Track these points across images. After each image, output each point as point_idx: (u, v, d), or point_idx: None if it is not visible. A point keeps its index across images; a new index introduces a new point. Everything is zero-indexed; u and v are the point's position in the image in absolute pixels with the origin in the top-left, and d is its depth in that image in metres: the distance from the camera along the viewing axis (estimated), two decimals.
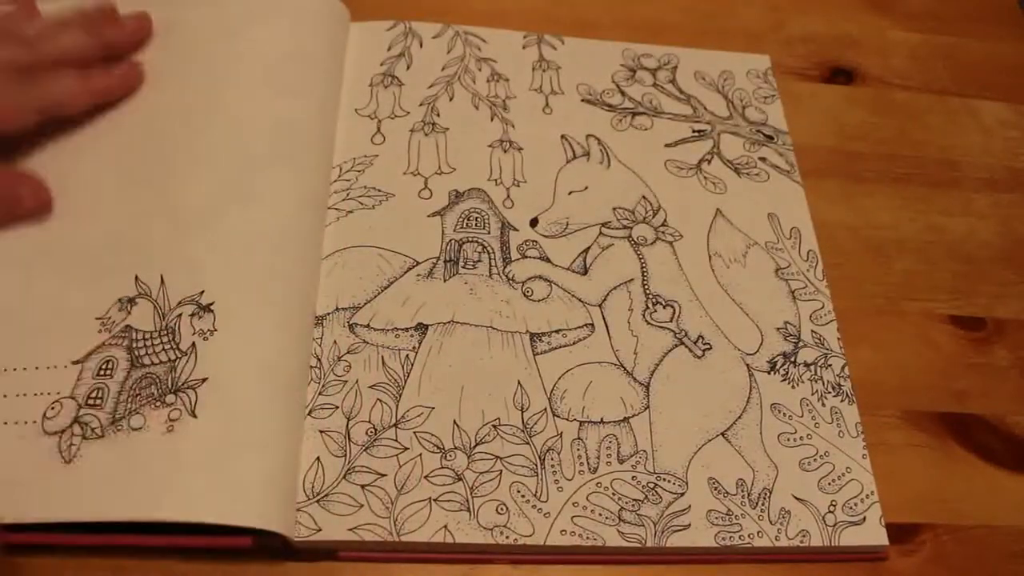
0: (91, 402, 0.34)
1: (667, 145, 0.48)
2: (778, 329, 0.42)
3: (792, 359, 0.41)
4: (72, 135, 0.42)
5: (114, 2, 0.45)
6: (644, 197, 0.45)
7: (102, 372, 0.35)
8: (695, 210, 0.45)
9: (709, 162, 0.47)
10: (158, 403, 0.34)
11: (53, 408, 0.34)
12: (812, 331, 0.42)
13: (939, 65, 0.54)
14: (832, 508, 0.37)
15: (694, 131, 0.49)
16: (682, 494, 0.37)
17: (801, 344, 0.41)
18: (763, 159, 0.48)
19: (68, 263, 0.38)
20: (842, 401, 0.40)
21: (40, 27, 0.42)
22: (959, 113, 0.52)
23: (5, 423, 0.34)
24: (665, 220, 0.45)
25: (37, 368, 0.35)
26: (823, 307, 0.43)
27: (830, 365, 0.41)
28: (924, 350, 0.43)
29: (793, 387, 0.40)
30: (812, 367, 0.41)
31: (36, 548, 0.33)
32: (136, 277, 0.37)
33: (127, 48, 0.44)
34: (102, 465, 0.32)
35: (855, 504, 0.37)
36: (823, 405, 0.40)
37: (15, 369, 0.35)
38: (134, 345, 0.36)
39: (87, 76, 0.41)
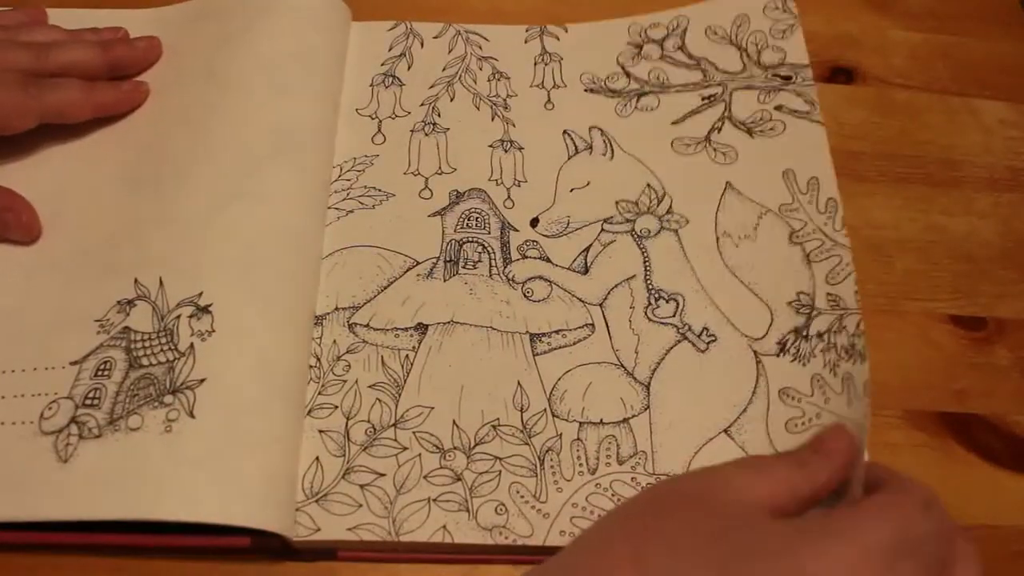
0: (88, 402, 0.34)
1: (674, 123, 0.47)
2: (790, 303, 0.41)
3: (804, 333, 0.40)
4: (73, 137, 0.43)
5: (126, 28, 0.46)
6: (649, 185, 0.45)
7: (100, 373, 0.35)
8: (703, 189, 0.44)
9: (719, 130, 0.46)
10: (156, 403, 0.34)
11: (50, 408, 0.34)
12: (828, 294, 0.40)
13: (939, 64, 0.54)
14: None
15: (704, 99, 0.47)
16: None
17: (815, 313, 0.40)
18: (779, 107, 0.46)
19: (68, 266, 0.39)
20: (854, 364, 0.38)
21: (51, 37, 0.42)
22: (960, 113, 0.52)
23: (3, 423, 0.34)
24: (671, 206, 0.44)
25: (36, 369, 0.36)
26: (840, 261, 0.41)
27: (844, 327, 0.39)
28: (925, 350, 0.43)
29: (804, 364, 0.39)
30: (826, 336, 0.39)
31: (33, 547, 0.33)
32: (135, 280, 0.37)
33: (134, 68, 0.45)
34: (99, 464, 0.32)
35: None
36: (835, 375, 0.38)
37: (14, 371, 0.36)
38: (132, 346, 0.36)
39: (92, 88, 0.42)
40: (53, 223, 0.40)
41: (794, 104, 0.47)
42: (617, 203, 0.44)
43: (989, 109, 0.52)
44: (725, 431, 0.38)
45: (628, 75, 0.49)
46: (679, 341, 0.40)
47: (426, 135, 0.46)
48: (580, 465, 0.37)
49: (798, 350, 0.40)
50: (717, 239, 0.43)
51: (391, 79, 0.48)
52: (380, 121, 0.46)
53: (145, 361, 0.35)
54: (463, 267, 0.41)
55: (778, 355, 0.40)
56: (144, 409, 0.34)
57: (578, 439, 0.37)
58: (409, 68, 0.48)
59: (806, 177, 0.44)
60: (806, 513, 0.29)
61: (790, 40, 0.49)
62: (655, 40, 0.50)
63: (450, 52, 0.49)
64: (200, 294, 0.37)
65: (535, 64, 0.49)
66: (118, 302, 0.37)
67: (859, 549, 0.25)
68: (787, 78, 0.47)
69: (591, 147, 0.46)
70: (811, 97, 0.47)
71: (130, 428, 0.33)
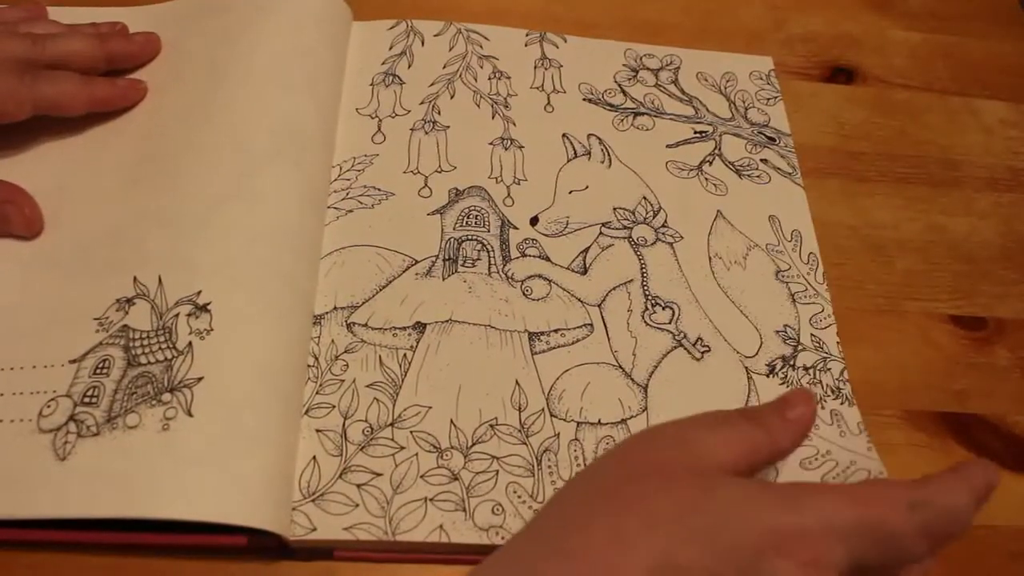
0: (87, 400, 0.34)
1: (668, 146, 0.47)
2: (777, 332, 0.42)
3: (791, 362, 0.41)
4: (73, 134, 0.43)
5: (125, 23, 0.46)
6: (645, 198, 0.45)
7: (98, 371, 0.35)
8: (696, 211, 0.45)
9: (710, 163, 0.47)
10: (154, 402, 0.34)
11: (49, 406, 0.34)
12: (812, 335, 0.42)
13: (939, 64, 0.54)
14: None
15: (696, 132, 0.48)
16: None
17: (801, 348, 0.41)
18: (765, 161, 0.47)
19: (67, 263, 0.39)
20: (842, 404, 0.40)
21: (48, 29, 0.43)
22: (960, 113, 0.52)
23: (1, 421, 0.34)
24: (665, 221, 0.44)
25: (34, 367, 0.35)
26: (823, 311, 0.42)
27: (829, 369, 0.41)
28: (925, 350, 0.43)
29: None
30: (811, 371, 0.41)
31: (31, 545, 0.33)
32: (135, 278, 0.37)
33: (131, 61, 0.45)
34: (97, 462, 0.32)
35: None
36: (822, 407, 0.40)
37: (12, 368, 0.35)
38: (131, 344, 0.36)
39: (89, 81, 0.42)
40: (53, 220, 0.40)
41: (778, 163, 0.48)
42: (615, 210, 0.44)
43: (989, 109, 0.52)
44: None
45: (625, 93, 0.49)
46: (675, 347, 0.40)
47: (426, 133, 0.46)
48: (578, 465, 0.36)
49: (786, 376, 0.40)
50: (710, 259, 0.44)
51: (391, 78, 0.48)
52: (380, 120, 0.46)
53: (143, 359, 0.35)
54: (462, 265, 0.41)
55: (767, 376, 0.40)
56: (142, 407, 0.34)
57: (576, 439, 0.37)
58: (410, 66, 0.48)
59: (790, 228, 0.45)
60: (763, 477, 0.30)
61: (774, 108, 0.50)
62: (650, 68, 0.51)
63: (451, 50, 0.49)
64: (199, 293, 0.37)
65: (535, 67, 0.49)
66: (117, 300, 0.37)
67: (820, 524, 0.27)
68: (771, 139, 0.48)
69: (589, 153, 0.46)
70: (793, 162, 0.48)
71: (128, 426, 0.33)
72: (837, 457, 0.38)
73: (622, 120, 0.48)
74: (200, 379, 0.34)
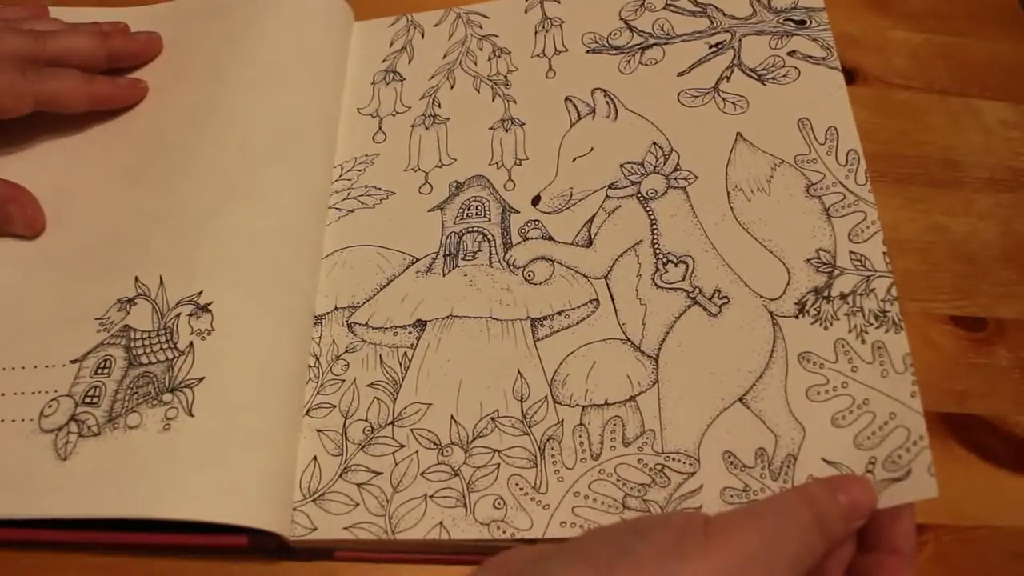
0: (88, 400, 0.34)
1: (680, 74, 0.44)
2: (809, 260, 0.37)
3: (825, 294, 0.36)
4: (75, 134, 0.43)
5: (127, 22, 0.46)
6: (654, 143, 0.42)
7: (100, 371, 0.35)
8: (712, 142, 0.41)
9: (728, 79, 0.43)
10: (155, 402, 0.34)
11: (50, 406, 0.34)
12: (851, 252, 0.37)
13: (940, 65, 0.53)
14: (871, 467, 0.33)
15: (711, 46, 0.45)
16: (693, 473, 0.34)
17: (837, 272, 0.37)
18: (792, 53, 0.43)
19: (69, 263, 0.39)
20: (887, 331, 0.35)
21: (50, 26, 0.43)
22: (961, 113, 0.52)
23: (2, 420, 0.34)
24: (678, 163, 0.41)
25: (36, 367, 0.36)
26: (865, 219, 0.38)
27: (873, 290, 0.36)
28: (925, 350, 0.43)
29: (826, 328, 0.36)
30: (850, 298, 0.36)
31: (32, 544, 0.33)
32: (136, 278, 0.37)
33: (133, 60, 0.45)
34: (98, 462, 0.33)
35: (899, 456, 0.32)
36: (863, 342, 0.35)
37: (14, 368, 0.36)
38: (132, 344, 0.36)
39: (90, 79, 0.42)
40: (55, 220, 0.40)
41: (809, 50, 0.43)
42: (622, 166, 0.42)
43: (989, 109, 0.52)
44: (740, 399, 0.35)
45: (631, 29, 0.46)
46: (689, 306, 0.37)
47: (426, 128, 0.45)
48: (583, 451, 0.35)
49: (819, 312, 0.36)
50: (728, 193, 0.40)
51: (392, 75, 0.47)
52: (381, 119, 0.46)
53: (144, 359, 0.35)
54: (463, 259, 0.41)
55: (797, 316, 0.36)
56: (143, 407, 0.34)
57: (581, 424, 0.36)
58: (410, 62, 0.48)
59: (824, 127, 0.41)
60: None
61: None
62: None
63: (450, 38, 0.48)
64: (200, 293, 0.37)
65: (536, 33, 0.47)
66: (118, 300, 0.37)
67: None
68: (801, 22, 0.44)
69: (594, 111, 0.44)
70: (828, 43, 0.43)
71: (129, 426, 0.33)
72: (875, 408, 0.34)
73: (628, 61, 0.45)
74: (201, 379, 0.34)
